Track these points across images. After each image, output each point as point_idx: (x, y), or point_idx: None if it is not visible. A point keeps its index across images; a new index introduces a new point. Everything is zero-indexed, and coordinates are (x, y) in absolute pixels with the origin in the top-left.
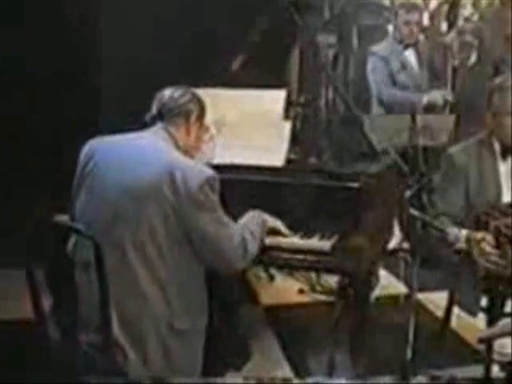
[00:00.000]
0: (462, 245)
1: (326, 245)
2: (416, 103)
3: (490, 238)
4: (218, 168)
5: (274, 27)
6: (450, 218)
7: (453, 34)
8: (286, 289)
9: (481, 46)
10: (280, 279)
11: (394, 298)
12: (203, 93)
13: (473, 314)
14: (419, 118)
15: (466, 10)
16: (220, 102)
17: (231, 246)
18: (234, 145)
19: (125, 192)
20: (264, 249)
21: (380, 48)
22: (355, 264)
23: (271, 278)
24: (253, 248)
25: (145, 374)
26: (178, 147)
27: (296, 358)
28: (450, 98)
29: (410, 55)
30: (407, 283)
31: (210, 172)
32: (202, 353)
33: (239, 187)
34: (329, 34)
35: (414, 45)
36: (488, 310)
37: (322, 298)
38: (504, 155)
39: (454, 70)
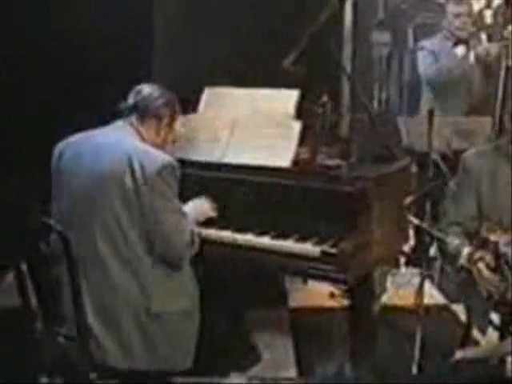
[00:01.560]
0: (463, 261)
1: (315, 250)
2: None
3: (489, 257)
4: (219, 167)
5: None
6: (461, 228)
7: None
8: (317, 292)
9: None
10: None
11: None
12: (216, 92)
13: (481, 330)
14: (454, 120)
15: None
16: (233, 100)
17: (182, 237)
18: (244, 144)
19: (94, 184)
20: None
21: (430, 42)
22: (346, 271)
23: (305, 280)
24: (197, 240)
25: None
26: (143, 141)
27: (305, 362)
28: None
29: (460, 53)
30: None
31: (168, 159)
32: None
33: (239, 187)
34: (383, 32)
35: (466, 42)
36: (499, 327)
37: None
38: None
39: (507, 69)
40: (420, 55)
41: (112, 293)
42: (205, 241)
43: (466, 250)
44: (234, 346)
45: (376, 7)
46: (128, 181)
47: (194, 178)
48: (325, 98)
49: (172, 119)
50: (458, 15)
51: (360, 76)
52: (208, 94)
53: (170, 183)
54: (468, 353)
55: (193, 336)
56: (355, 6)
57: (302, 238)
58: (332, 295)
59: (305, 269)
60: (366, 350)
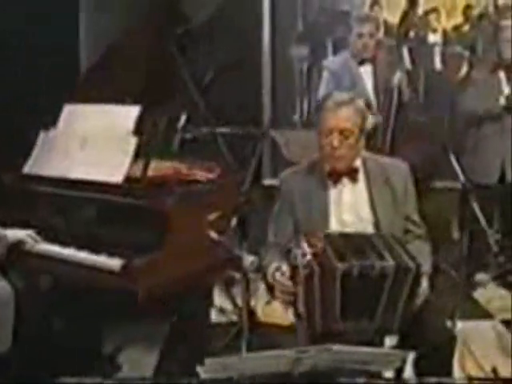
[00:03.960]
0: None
1: (115, 263)
2: None
3: (285, 267)
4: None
5: None
6: (279, 249)
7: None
8: None
9: None
10: None
11: None
12: (73, 108)
13: None
14: None
15: None
16: (85, 116)
17: None
18: (88, 160)
19: None
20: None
21: (332, 61)
22: (139, 284)
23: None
24: None
25: None
26: None
27: None
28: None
29: (365, 71)
30: None
31: None
32: None
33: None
34: (302, 46)
35: (372, 60)
36: None
37: None
38: (334, 180)
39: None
40: (323, 76)
41: None
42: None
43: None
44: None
45: (295, 21)
46: None
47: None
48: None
49: None
50: (360, 35)
51: (281, 90)
52: (66, 111)
53: None
54: None
55: None
56: (273, 20)
57: (107, 252)
58: None
59: (106, 281)
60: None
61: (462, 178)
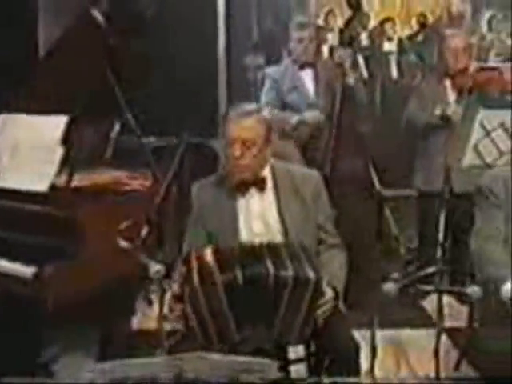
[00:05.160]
0: None
1: (27, 271)
2: (287, 122)
3: (175, 286)
4: None
5: None
6: None
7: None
8: None
9: None
10: None
11: None
12: (6, 117)
13: None
14: None
15: None
16: (16, 126)
17: None
18: (18, 169)
19: None
20: None
21: (274, 70)
22: (47, 293)
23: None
24: None
25: None
26: None
27: None
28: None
29: (307, 75)
30: None
31: None
32: None
33: None
34: (257, 55)
35: (313, 64)
36: None
37: None
38: (242, 190)
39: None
40: (265, 84)
41: None
42: None
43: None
44: None
45: (250, 30)
46: None
47: None
48: None
49: None
50: (300, 40)
51: (236, 98)
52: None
53: None
54: None
55: None
56: (228, 30)
57: (25, 260)
58: None
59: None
60: None
61: (377, 186)
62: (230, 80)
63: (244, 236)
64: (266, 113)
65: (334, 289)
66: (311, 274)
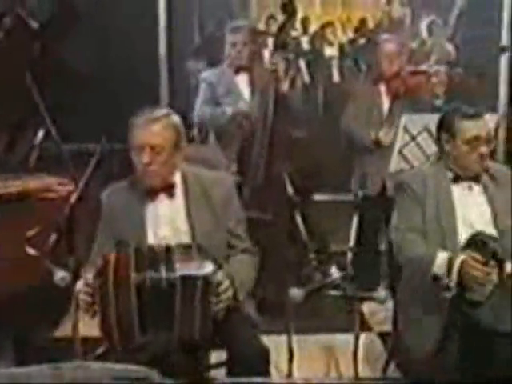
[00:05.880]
0: None
1: None
2: (220, 117)
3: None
4: None
5: None
6: None
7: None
8: None
9: None
10: None
11: None
12: None
13: None
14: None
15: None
16: None
17: None
18: None
19: None
20: None
21: (209, 73)
22: None
23: None
24: None
25: None
26: None
27: None
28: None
29: (242, 80)
30: None
31: None
32: None
33: None
34: (199, 59)
35: (248, 69)
36: None
37: None
38: (151, 196)
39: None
40: (200, 88)
41: None
42: None
43: None
44: None
45: (192, 35)
46: None
47: None
48: None
49: None
50: (234, 44)
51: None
52: None
53: None
54: None
55: None
56: (170, 34)
57: None
58: None
59: None
60: None
61: (290, 191)
62: (171, 85)
63: (151, 240)
64: (175, 118)
65: (233, 283)
66: (199, 272)
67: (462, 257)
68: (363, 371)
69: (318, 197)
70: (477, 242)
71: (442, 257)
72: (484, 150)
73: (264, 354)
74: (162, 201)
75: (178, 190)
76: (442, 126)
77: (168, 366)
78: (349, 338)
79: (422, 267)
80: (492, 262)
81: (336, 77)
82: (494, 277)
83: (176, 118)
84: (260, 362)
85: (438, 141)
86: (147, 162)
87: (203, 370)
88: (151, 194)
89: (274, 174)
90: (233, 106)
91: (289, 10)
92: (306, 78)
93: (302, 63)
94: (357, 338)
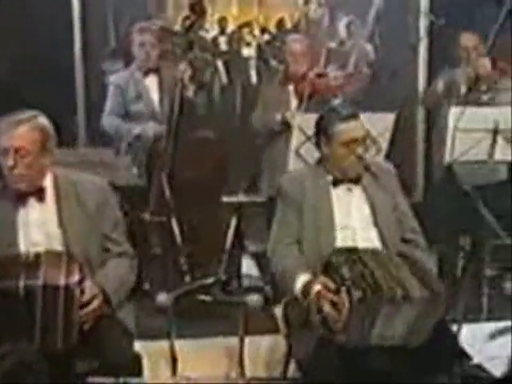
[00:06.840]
0: None
1: None
2: (126, 134)
3: None
4: None
5: None
6: None
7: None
8: None
9: None
10: None
11: None
12: None
13: None
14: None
15: None
16: None
17: None
18: None
19: None
20: None
21: (118, 76)
22: None
23: None
24: None
25: None
26: None
27: None
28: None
29: (151, 82)
30: None
31: None
32: None
33: None
34: (115, 60)
35: (157, 71)
36: None
37: None
38: (21, 201)
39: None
40: (108, 91)
41: None
42: None
43: None
44: None
45: (107, 36)
46: None
47: None
48: None
49: None
50: (142, 44)
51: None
52: None
53: None
54: None
55: None
56: (84, 35)
57: None
58: None
59: None
60: None
61: (167, 194)
62: (88, 86)
63: (23, 247)
64: (42, 120)
65: (104, 291)
66: (63, 281)
67: (316, 287)
68: (266, 372)
69: (225, 198)
70: (333, 264)
71: (301, 280)
72: (361, 151)
73: (136, 361)
74: (33, 205)
75: (49, 194)
76: (319, 128)
77: (35, 375)
78: (253, 340)
79: (288, 285)
80: (343, 288)
81: (254, 77)
82: (346, 303)
83: (43, 120)
84: (131, 370)
85: (316, 144)
86: (11, 166)
87: (72, 379)
88: (21, 198)
89: (179, 177)
90: (141, 127)
91: (197, 10)
92: (224, 79)
93: (220, 63)
94: (241, 341)
